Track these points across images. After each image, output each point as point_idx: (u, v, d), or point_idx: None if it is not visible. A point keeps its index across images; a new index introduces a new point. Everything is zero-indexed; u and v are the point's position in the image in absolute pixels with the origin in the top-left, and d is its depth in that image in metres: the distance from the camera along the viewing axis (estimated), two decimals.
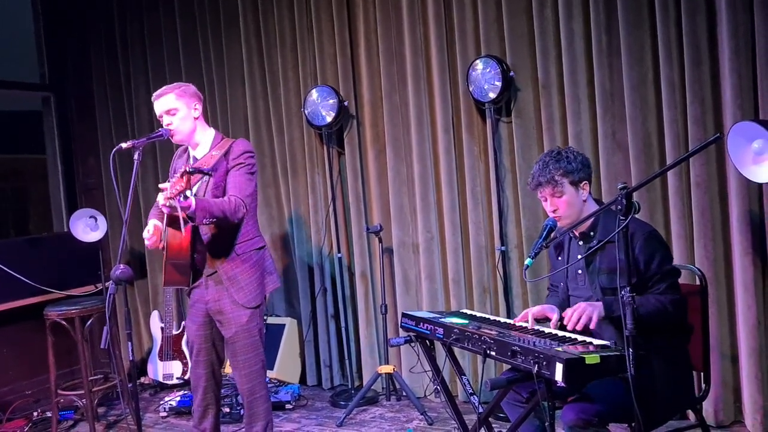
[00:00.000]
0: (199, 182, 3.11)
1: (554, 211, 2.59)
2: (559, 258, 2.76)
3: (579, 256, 2.63)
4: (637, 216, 2.46)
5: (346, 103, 4.45)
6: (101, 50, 5.50)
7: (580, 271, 2.64)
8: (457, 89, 4.12)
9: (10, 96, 5.78)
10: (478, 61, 3.88)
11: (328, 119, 4.40)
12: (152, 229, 3.07)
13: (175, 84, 3.17)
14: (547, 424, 2.29)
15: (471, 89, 3.93)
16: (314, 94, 4.43)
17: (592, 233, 2.60)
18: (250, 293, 3.12)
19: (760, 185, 3.24)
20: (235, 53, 4.92)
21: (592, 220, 2.59)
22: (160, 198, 2.78)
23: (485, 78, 3.85)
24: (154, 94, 3.13)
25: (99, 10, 5.45)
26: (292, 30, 4.68)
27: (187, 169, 2.73)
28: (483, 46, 3.98)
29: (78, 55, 5.60)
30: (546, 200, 2.61)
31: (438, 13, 4.11)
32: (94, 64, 5.55)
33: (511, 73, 3.86)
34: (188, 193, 2.79)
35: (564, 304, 2.75)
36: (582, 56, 3.69)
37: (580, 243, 2.65)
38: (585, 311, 2.40)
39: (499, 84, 3.81)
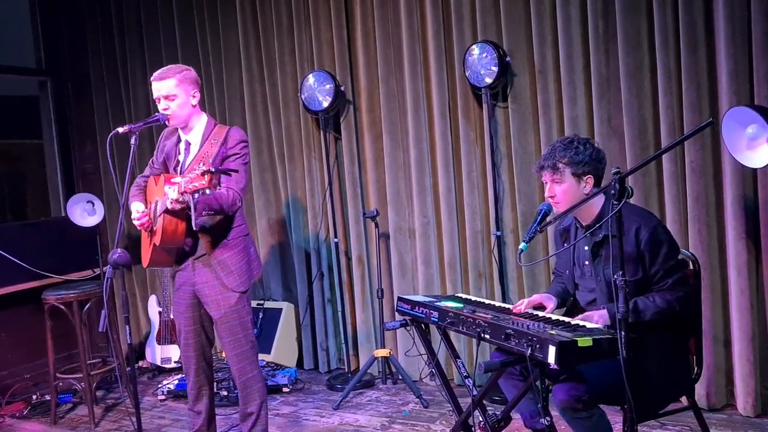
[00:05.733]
0: (191, 160, 3.11)
1: (551, 197, 2.60)
2: (565, 245, 2.77)
3: (586, 248, 2.63)
4: (632, 202, 2.48)
5: (342, 88, 4.45)
6: (97, 34, 5.47)
7: (587, 262, 2.65)
8: (453, 74, 4.12)
9: (6, 81, 5.76)
10: (474, 46, 3.88)
11: (325, 104, 4.40)
12: (141, 210, 3.11)
13: (176, 67, 3.13)
14: (540, 405, 2.32)
15: (467, 74, 3.93)
16: (311, 78, 4.43)
17: (599, 225, 2.60)
18: (239, 277, 3.14)
19: (754, 170, 3.25)
20: (232, 37, 4.90)
21: (598, 212, 2.58)
22: (172, 192, 2.77)
23: (481, 63, 3.85)
24: (155, 74, 3.08)
25: None
26: (288, 14, 4.66)
27: (212, 169, 2.68)
28: (479, 31, 3.97)
29: (74, 39, 5.58)
30: (546, 183, 2.62)
31: None
32: (90, 47, 5.53)
33: (508, 59, 3.86)
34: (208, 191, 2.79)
35: (566, 292, 2.77)
36: (578, 42, 3.68)
37: (586, 234, 2.64)
38: (591, 321, 2.43)
39: (495, 69, 3.81)
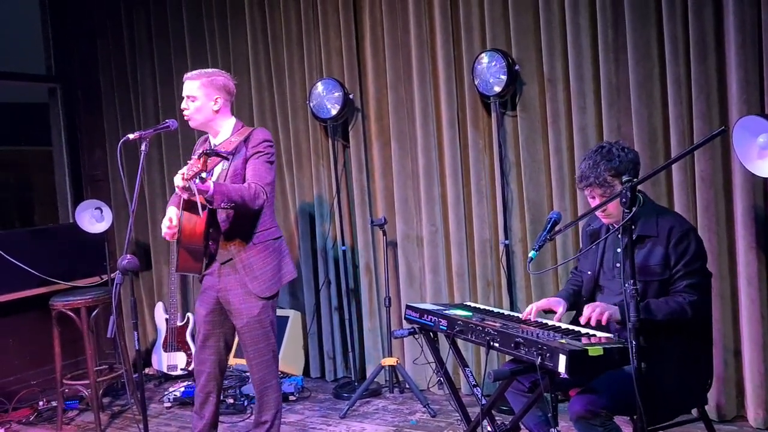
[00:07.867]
0: (220, 168, 3.11)
1: (603, 211, 2.57)
2: (593, 247, 2.72)
3: (618, 250, 2.61)
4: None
5: (351, 96, 4.45)
6: (108, 41, 5.51)
7: (618, 264, 2.62)
8: (462, 83, 4.12)
9: (16, 87, 5.79)
10: (483, 55, 3.88)
11: (333, 112, 4.40)
12: (174, 219, 3.02)
13: (209, 70, 3.19)
14: (550, 415, 2.30)
15: (476, 83, 3.93)
16: (319, 86, 4.43)
17: (633, 227, 2.58)
18: (264, 283, 3.12)
19: (765, 180, 3.24)
20: (240, 45, 4.92)
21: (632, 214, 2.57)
22: (178, 180, 2.79)
23: (490, 72, 3.85)
24: (186, 74, 3.17)
25: (105, 1, 5.46)
26: (297, 22, 4.68)
27: (205, 151, 2.74)
28: (488, 40, 3.98)
29: (84, 47, 5.61)
30: (594, 198, 2.59)
31: (444, 7, 4.11)
32: (100, 55, 5.56)
33: (517, 67, 3.86)
34: (204, 175, 2.79)
35: (576, 296, 2.75)
36: (588, 51, 3.68)
37: (620, 236, 2.62)
38: (599, 308, 2.41)
39: (504, 78, 3.81)
